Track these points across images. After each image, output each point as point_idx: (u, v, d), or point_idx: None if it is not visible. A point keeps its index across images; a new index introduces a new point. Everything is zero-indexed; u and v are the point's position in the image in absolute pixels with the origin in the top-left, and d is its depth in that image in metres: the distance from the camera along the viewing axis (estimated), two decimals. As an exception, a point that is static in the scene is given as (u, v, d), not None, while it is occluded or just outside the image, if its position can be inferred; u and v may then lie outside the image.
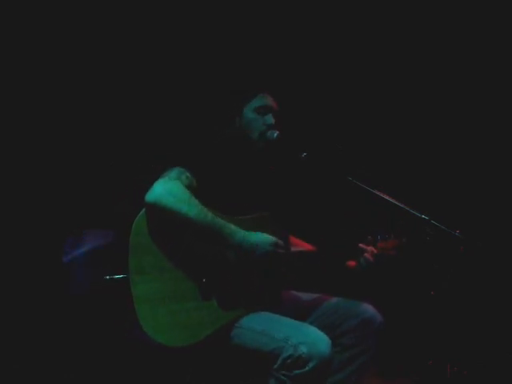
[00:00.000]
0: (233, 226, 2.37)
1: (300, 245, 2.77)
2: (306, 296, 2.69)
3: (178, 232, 2.32)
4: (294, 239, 2.76)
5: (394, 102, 3.85)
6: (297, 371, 2.22)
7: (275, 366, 2.26)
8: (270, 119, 2.61)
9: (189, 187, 2.35)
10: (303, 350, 2.21)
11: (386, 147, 3.82)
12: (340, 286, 2.90)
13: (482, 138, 3.77)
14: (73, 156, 3.32)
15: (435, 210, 2.41)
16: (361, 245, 2.57)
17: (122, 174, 3.32)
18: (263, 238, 2.40)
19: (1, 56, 3.17)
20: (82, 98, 3.35)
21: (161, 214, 2.29)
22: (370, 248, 2.57)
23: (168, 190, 2.29)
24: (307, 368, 2.21)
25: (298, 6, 3.67)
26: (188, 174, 2.38)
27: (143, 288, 2.26)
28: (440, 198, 3.54)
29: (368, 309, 2.57)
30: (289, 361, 2.23)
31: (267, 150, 2.61)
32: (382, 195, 2.42)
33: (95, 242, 2.58)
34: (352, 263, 2.60)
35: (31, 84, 3.24)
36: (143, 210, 2.31)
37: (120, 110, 3.41)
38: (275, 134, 2.57)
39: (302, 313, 2.54)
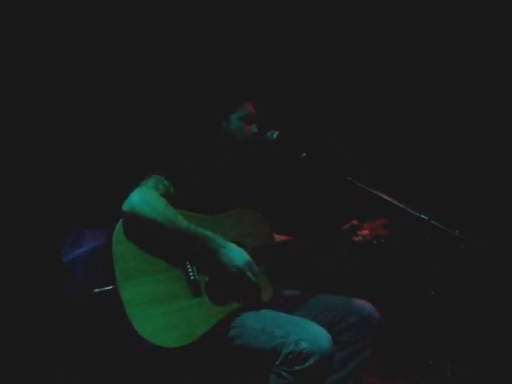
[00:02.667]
0: (209, 234, 2.39)
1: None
2: (289, 293, 2.71)
3: (156, 238, 2.35)
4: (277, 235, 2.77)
5: (394, 102, 3.85)
6: (298, 367, 2.24)
7: (277, 363, 2.28)
8: (254, 128, 2.66)
9: (165, 195, 2.39)
10: (304, 345, 2.24)
11: (385, 147, 3.82)
12: (339, 284, 2.91)
13: (481, 138, 3.77)
14: (72, 155, 3.32)
15: (435, 210, 2.41)
16: (347, 229, 2.64)
17: (122, 174, 3.32)
18: (236, 253, 2.41)
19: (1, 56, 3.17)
20: (82, 99, 3.35)
21: (137, 223, 2.33)
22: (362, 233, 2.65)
23: (143, 199, 2.34)
24: (308, 363, 2.23)
25: (297, 4, 3.68)
26: (165, 182, 2.41)
27: (132, 292, 2.27)
28: (440, 198, 3.54)
29: (366, 306, 2.59)
30: (290, 357, 2.25)
31: (267, 150, 2.62)
32: (381, 195, 2.42)
33: (95, 242, 2.58)
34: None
35: (31, 84, 3.24)
36: (121, 219, 2.34)
37: (119, 111, 3.41)
38: (275, 135, 2.59)
39: (286, 309, 2.55)
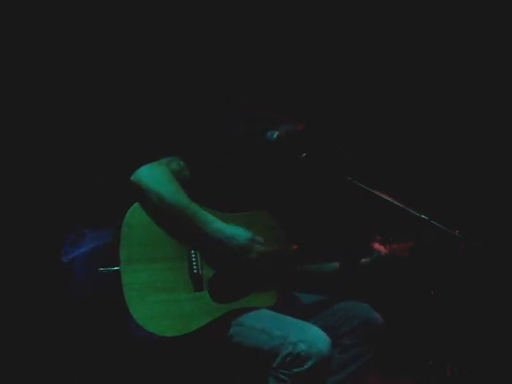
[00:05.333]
0: (209, 215, 2.36)
1: None
2: (307, 298, 2.69)
3: (160, 214, 2.34)
4: None
5: (394, 102, 3.85)
6: (296, 369, 2.22)
7: (275, 365, 2.26)
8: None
9: (177, 173, 2.39)
10: (302, 347, 2.22)
11: (385, 147, 3.82)
12: (341, 286, 2.90)
13: (481, 138, 3.77)
14: (73, 155, 3.32)
15: (435, 210, 2.41)
16: (372, 244, 2.59)
17: (122, 174, 3.31)
18: (239, 231, 2.37)
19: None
20: (83, 99, 3.34)
21: (140, 194, 2.34)
22: (381, 247, 2.59)
23: (151, 170, 2.37)
24: (306, 366, 2.21)
25: (296, 4, 3.67)
26: (180, 162, 2.42)
27: (133, 277, 2.27)
28: (440, 198, 3.54)
29: (369, 310, 2.58)
30: (288, 359, 2.23)
31: (267, 150, 2.61)
32: (381, 195, 2.42)
33: (95, 242, 2.58)
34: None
35: (31, 83, 3.24)
36: (135, 203, 2.35)
37: (122, 110, 3.41)
38: (275, 135, 2.58)
39: (302, 315, 2.53)
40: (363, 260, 2.61)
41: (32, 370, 3.13)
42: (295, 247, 2.66)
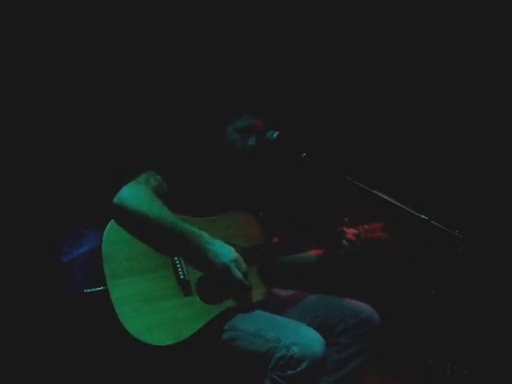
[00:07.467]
0: (195, 230, 2.38)
1: None
2: (285, 293, 2.71)
3: (146, 234, 2.35)
4: None
5: (394, 102, 3.86)
6: (290, 371, 2.24)
7: (269, 367, 2.27)
8: (252, 141, 2.60)
9: (156, 190, 2.40)
10: (295, 350, 2.23)
11: (385, 147, 3.82)
12: (338, 285, 2.91)
13: (481, 138, 3.77)
14: (73, 155, 3.32)
15: (435, 209, 2.41)
16: (340, 228, 2.59)
17: (122, 174, 3.31)
18: (223, 250, 2.38)
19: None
20: (84, 100, 3.34)
21: (125, 216, 2.35)
22: (350, 230, 2.58)
23: (132, 192, 2.38)
24: (300, 368, 2.23)
25: (296, 4, 3.68)
26: (157, 177, 2.42)
27: (122, 290, 2.27)
28: (440, 198, 3.54)
29: (365, 308, 2.58)
30: (282, 361, 2.24)
31: (267, 150, 2.61)
32: (381, 195, 2.42)
33: (95, 242, 2.58)
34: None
35: (30, 83, 3.24)
36: (111, 220, 2.35)
37: (120, 113, 3.41)
38: (275, 135, 2.57)
39: (281, 309, 2.54)
40: (340, 245, 2.60)
41: (32, 370, 3.13)
42: (276, 240, 2.67)
